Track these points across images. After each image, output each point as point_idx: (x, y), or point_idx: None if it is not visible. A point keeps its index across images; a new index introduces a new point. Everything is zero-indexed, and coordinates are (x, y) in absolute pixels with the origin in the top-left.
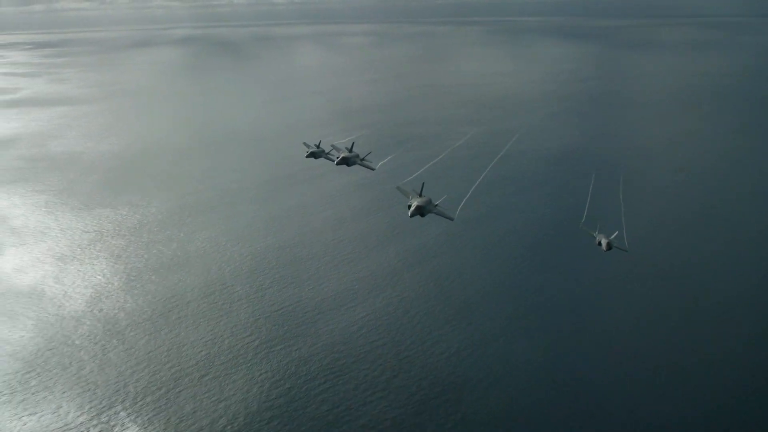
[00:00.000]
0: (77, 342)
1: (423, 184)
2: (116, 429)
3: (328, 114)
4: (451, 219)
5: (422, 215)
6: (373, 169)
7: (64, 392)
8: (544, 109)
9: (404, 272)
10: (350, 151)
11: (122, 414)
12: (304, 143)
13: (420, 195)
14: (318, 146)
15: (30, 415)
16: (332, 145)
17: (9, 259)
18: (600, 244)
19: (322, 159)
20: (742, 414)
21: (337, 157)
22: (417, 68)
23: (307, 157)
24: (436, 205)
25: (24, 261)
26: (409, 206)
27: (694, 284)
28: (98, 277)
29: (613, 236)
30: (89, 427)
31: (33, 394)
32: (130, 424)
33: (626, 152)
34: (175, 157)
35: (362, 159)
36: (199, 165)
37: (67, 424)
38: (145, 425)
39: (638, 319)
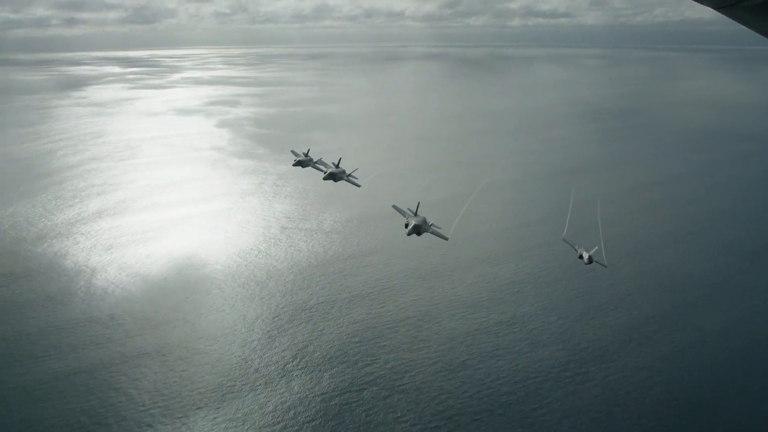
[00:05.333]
0: None
1: (419, 203)
2: None
3: (566, 109)
4: (446, 239)
5: (418, 234)
6: (358, 186)
7: None
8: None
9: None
10: (337, 166)
11: None
12: (292, 151)
13: (416, 214)
14: (306, 155)
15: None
16: (320, 159)
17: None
18: (581, 257)
19: (309, 168)
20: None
21: (325, 172)
22: (640, 83)
23: (294, 165)
24: (431, 224)
25: None
26: (407, 225)
27: (669, 299)
28: None
29: (593, 251)
30: None
31: None
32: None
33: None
34: (473, 134)
35: (348, 175)
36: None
37: None
38: None
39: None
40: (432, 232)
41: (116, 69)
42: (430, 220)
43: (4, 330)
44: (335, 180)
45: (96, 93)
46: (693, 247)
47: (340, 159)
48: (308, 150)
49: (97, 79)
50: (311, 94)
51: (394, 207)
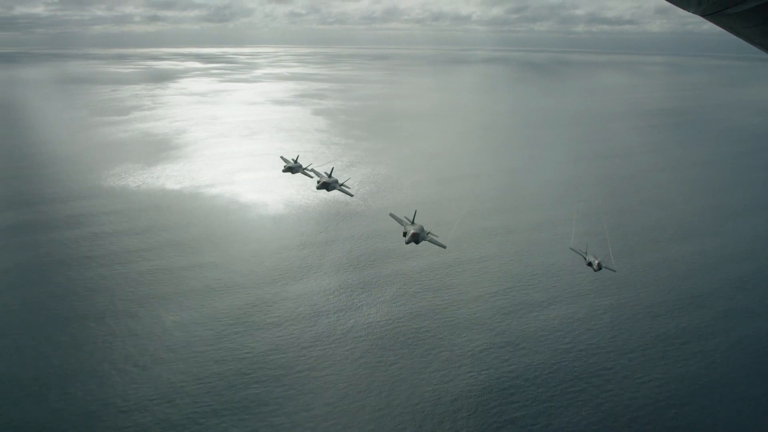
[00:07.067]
0: None
1: (416, 211)
2: None
3: (624, 109)
4: (444, 247)
5: (417, 242)
6: (351, 195)
7: None
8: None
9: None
10: (329, 176)
11: None
12: (282, 157)
13: (413, 222)
14: (296, 161)
15: None
16: (309, 165)
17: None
18: (590, 264)
19: (299, 174)
20: None
21: (318, 182)
22: (696, 88)
23: (284, 171)
24: (429, 233)
25: None
26: (405, 234)
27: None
28: None
29: (602, 257)
30: None
31: None
32: None
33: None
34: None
35: (341, 184)
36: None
37: None
38: None
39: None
40: (430, 241)
41: (197, 64)
42: (427, 228)
43: (219, 231)
44: (328, 189)
45: (191, 85)
46: (705, 242)
47: (333, 168)
48: (297, 156)
49: (185, 73)
50: (384, 91)
51: (392, 215)
